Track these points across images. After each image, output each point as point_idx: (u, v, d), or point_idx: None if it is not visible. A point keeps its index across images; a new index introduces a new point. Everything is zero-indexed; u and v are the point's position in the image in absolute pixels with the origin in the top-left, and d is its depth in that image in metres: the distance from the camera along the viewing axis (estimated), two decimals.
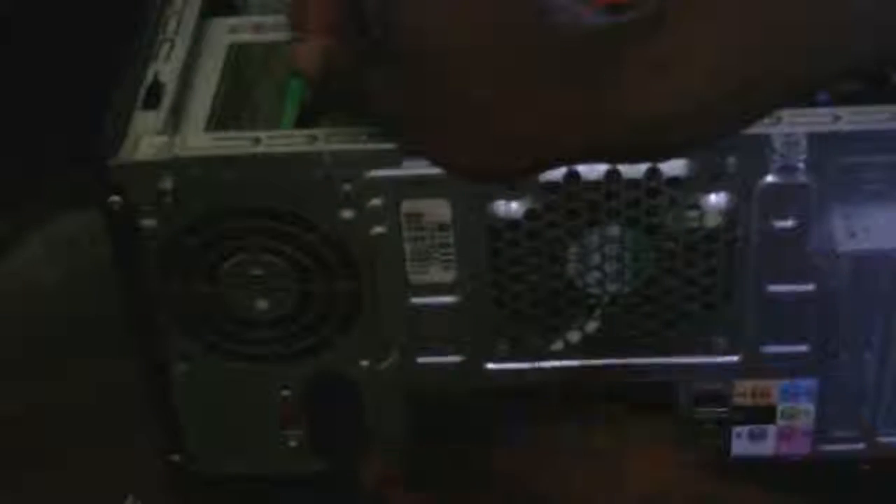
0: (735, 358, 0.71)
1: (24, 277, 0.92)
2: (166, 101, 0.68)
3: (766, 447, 0.74)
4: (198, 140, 0.67)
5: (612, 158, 0.60)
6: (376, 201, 0.66)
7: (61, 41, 0.96)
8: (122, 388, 0.79)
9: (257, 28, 0.73)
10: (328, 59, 0.57)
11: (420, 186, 0.66)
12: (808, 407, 0.73)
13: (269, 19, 0.73)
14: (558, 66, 0.51)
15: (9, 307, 0.90)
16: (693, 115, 0.51)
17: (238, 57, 0.72)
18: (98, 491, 0.79)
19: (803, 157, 0.64)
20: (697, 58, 0.50)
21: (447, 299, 0.69)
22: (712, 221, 0.66)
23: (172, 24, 0.72)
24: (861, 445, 0.73)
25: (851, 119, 0.64)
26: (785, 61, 0.51)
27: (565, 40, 0.51)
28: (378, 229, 0.67)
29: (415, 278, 0.68)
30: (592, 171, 0.65)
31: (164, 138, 0.66)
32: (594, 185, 0.65)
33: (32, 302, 0.91)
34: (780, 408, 0.73)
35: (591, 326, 0.70)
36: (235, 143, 0.66)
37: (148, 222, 0.66)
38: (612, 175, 0.65)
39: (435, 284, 0.69)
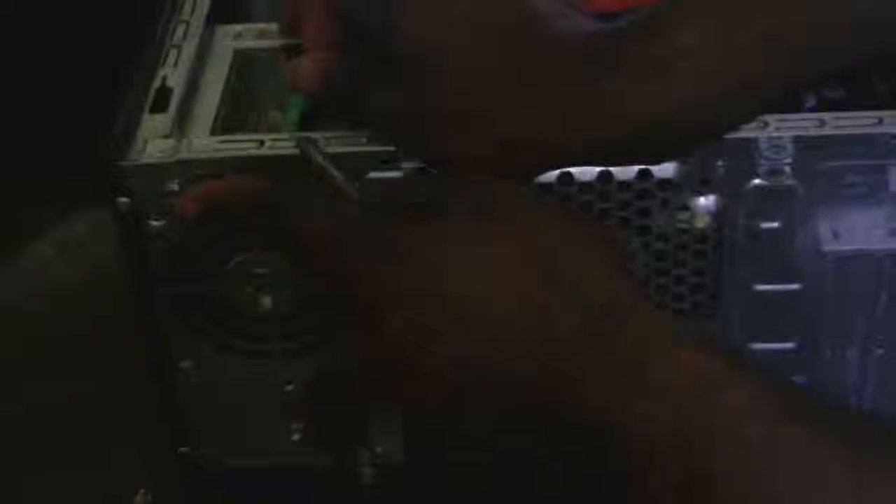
0: None
1: (28, 278, 0.92)
2: (173, 105, 0.69)
3: None
4: (204, 143, 0.68)
5: (612, 159, 0.59)
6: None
7: (61, 41, 0.96)
8: (122, 388, 0.80)
9: (262, 34, 0.75)
10: (327, 75, 0.58)
11: None
12: None
13: (274, 26, 0.74)
14: (559, 66, 0.52)
15: (10, 307, 0.90)
16: (693, 115, 0.51)
17: (243, 62, 0.74)
18: (98, 491, 0.79)
19: (789, 160, 0.65)
20: (698, 58, 0.50)
21: None
22: (701, 223, 0.67)
23: (180, 31, 0.74)
24: None
25: (836, 124, 0.65)
26: (785, 61, 0.51)
27: (566, 42, 0.52)
28: None
29: None
30: (585, 172, 0.65)
31: (171, 141, 0.67)
32: (587, 186, 0.66)
33: (34, 302, 0.91)
34: None
35: None
36: (240, 145, 0.67)
37: (155, 223, 0.67)
38: (605, 177, 0.65)
39: None
